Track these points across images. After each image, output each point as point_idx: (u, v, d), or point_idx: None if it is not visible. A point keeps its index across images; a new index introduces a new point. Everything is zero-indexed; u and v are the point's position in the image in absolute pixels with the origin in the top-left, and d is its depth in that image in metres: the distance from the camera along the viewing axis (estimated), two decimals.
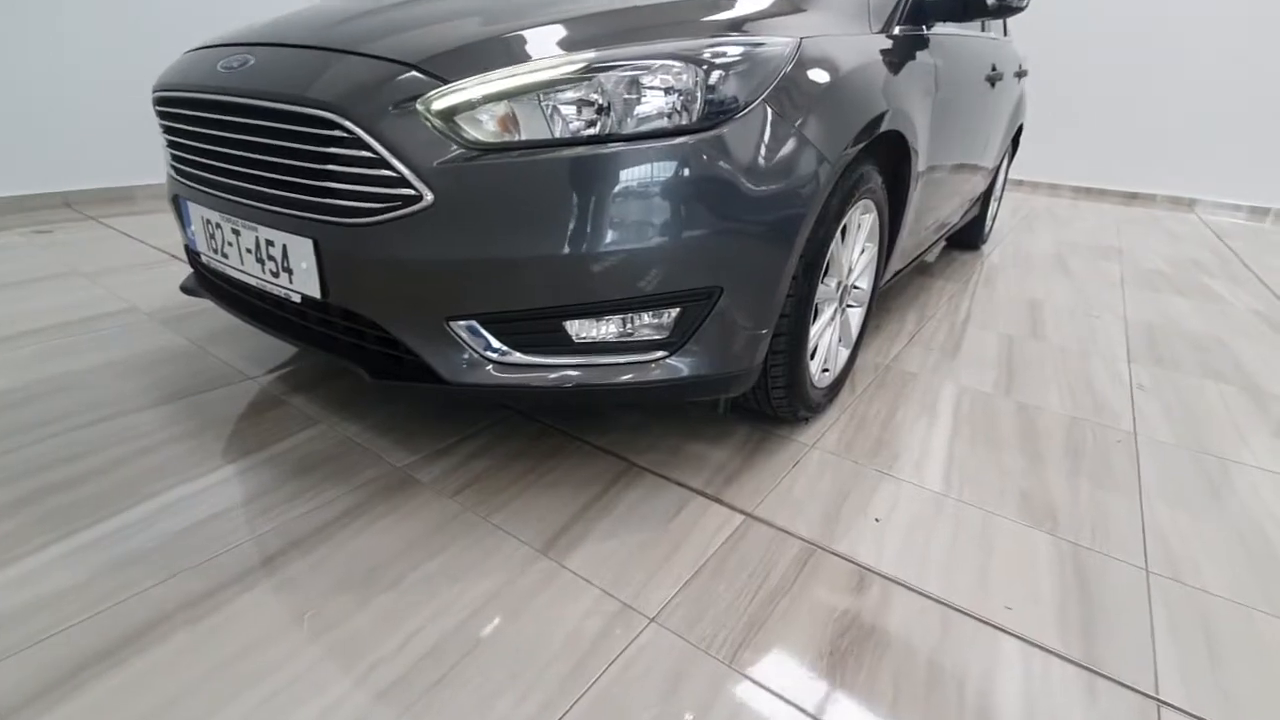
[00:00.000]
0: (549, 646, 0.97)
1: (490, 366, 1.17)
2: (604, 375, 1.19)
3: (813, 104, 1.23)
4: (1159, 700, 0.95)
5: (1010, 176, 5.95)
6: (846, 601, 1.09)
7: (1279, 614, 1.12)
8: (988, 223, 3.63)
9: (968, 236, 3.51)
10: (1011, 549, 1.24)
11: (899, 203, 1.77)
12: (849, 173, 1.38)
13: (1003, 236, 4.02)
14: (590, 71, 1.05)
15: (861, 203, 1.50)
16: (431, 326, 1.14)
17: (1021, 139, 3.69)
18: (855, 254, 1.61)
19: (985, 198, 3.36)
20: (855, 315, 1.76)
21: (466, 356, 1.16)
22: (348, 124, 1.05)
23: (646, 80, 1.07)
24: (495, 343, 1.16)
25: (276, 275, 1.25)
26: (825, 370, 1.63)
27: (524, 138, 1.06)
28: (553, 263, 1.08)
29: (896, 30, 1.62)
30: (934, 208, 2.17)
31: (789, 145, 1.18)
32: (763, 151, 1.15)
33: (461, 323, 1.14)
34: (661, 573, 1.13)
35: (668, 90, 1.08)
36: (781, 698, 0.91)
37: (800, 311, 1.35)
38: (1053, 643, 1.03)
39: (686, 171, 1.08)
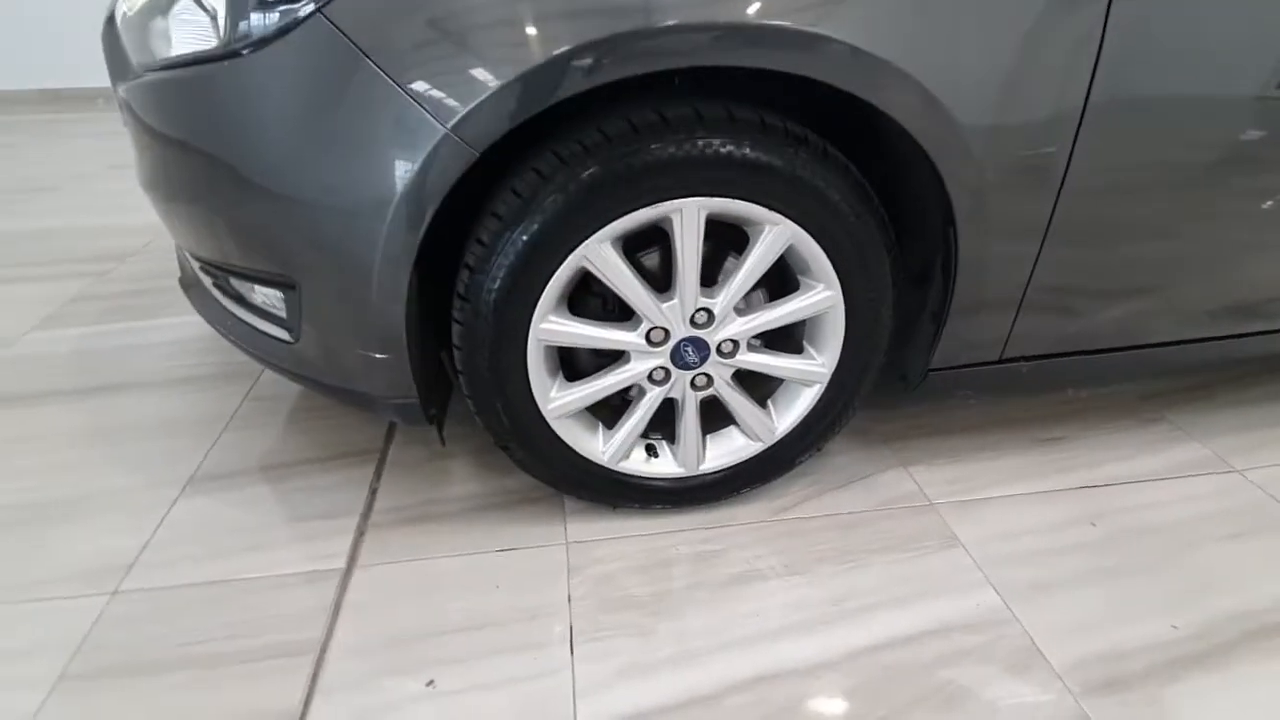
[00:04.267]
0: None
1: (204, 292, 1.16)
2: (248, 338, 1.05)
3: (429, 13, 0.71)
4: None
5: None
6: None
7: None
8: None
9: None
10: None
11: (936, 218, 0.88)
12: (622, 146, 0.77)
13: None
14: None
15: (706, 200, 0.82)
16: None
17: None
18: (725, 298, 0.91)
19: None
20: (802, 394, 1.02)
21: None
22: None
23: None
24: (201, 273, 1.14)
25: None
26: (652, 457, 1.03)
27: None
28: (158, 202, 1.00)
29: None
30: None
31: (368, 89, 0.73)
32: (320, 93, 0.75)
33: None
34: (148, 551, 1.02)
35: None
36: None
37: (493, 357, 0.89)
38: None
39: (208, 113, 0.81)
